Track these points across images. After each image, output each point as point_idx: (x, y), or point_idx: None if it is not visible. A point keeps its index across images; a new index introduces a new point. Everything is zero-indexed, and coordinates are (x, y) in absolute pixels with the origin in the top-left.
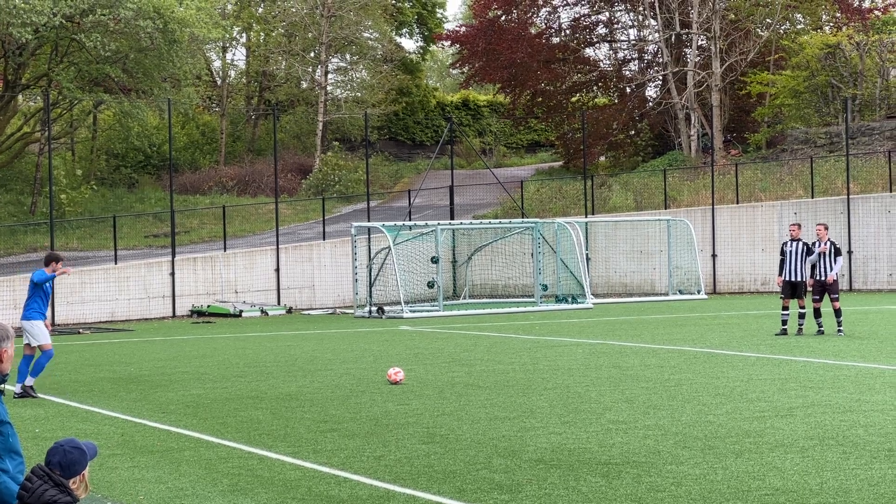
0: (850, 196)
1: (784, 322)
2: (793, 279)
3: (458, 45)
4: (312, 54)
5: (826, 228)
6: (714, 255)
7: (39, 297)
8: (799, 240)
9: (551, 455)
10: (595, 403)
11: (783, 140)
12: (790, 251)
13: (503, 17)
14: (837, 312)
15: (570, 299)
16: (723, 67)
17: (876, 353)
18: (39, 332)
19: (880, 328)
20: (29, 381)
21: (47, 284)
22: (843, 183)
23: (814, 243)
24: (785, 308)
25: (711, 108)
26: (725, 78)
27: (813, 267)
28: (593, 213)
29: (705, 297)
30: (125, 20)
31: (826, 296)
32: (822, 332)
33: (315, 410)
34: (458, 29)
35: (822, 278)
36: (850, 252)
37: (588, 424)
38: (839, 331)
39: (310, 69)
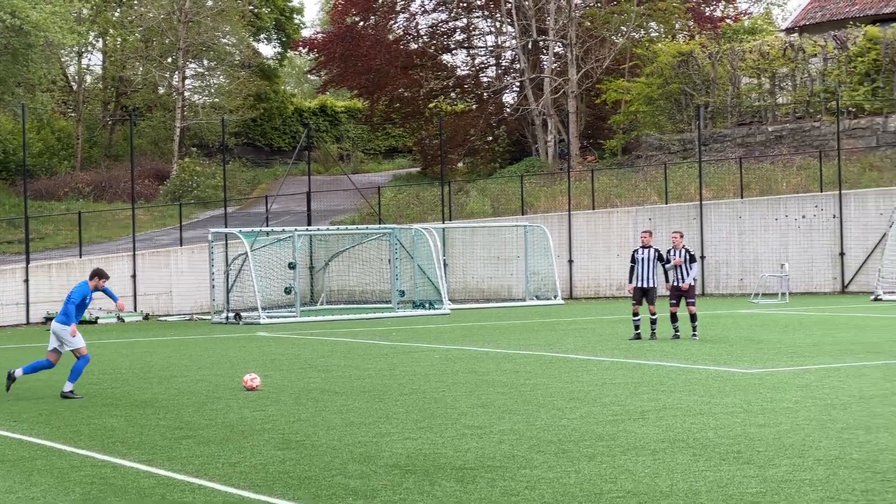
0: (703, 202)
1: (637, 327)
2: (644, 285)
3: (315, 52)
4: (170, 60)
5: (681, 236)
6: (570, 261)
7: (81, 310)
8: (650, 246)
9: (406, 460)
10: (451, 409)
11: (638, 146)
12: (641, 258)
13: (361, 23)
14: (693, 317)
15: (427, 305)
16: (579, 74)
17: (726, 356)
18: (74, 338)
19: (731, 332)
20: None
21: (88, 299)
22: (695, 189)
23: (668, 251)
24: (635, 314)
25: (568, 115)
26: (581, 85)
27: (667, 273)
28: (450, 219)
29: (562, 302)
30: None
31: (683, 300)
32: (678, 337)
33: (170, 417)
34: (314, 36)
35: (677, 284)
36: (702, 257)
37: (444, 429)
38: (694, 335)
39: (167, 74)
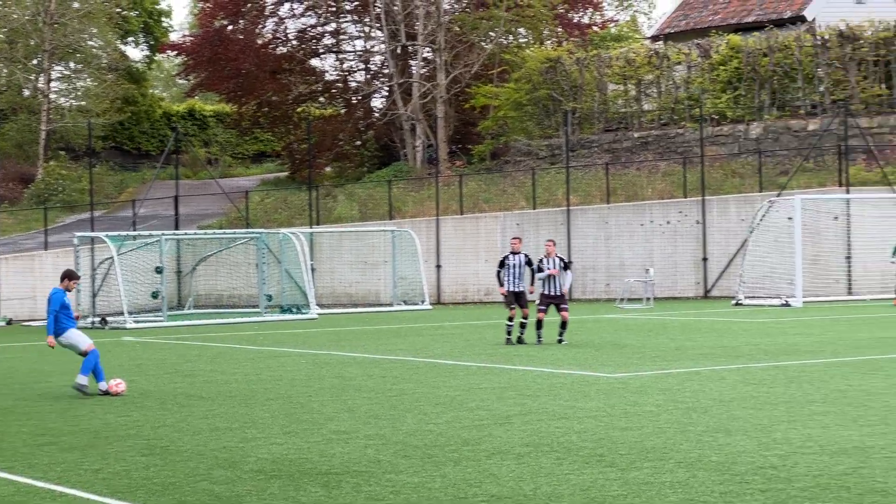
0: (570, 207)
1: (509, 331)
2: (515, 289)
3: (183, 55)
4: (35, 61)
5: (554, 244)
6: (438, 266)
7: (65, 313)
8: (520, 252)
9: (272, 465)
10: (317, 414)
11: (506, 152)
12: (513, 264)
13: (230, 27)
14: (564, 324)
15: (294, 310)
16: (448, 79)
17: (591, 361)
18: (79, 339)
19: (596, 337)
20: (82, 379)
21: (66, 300)
22: (563, 194)
23: (541, 259)
24: (511, 318)
25: (436, 120)
26: (450, 90)
27: (534, 277)
28: (318, 224)
29: (430, 307)
30: None
31: (553, 307)
32: (541, 343)
33: (32, 423)
34: (182, 40)
35: (552, 293)
36: (570, 262)
37: (309, 434)
38: (560, 339)
39: (32, 77)
